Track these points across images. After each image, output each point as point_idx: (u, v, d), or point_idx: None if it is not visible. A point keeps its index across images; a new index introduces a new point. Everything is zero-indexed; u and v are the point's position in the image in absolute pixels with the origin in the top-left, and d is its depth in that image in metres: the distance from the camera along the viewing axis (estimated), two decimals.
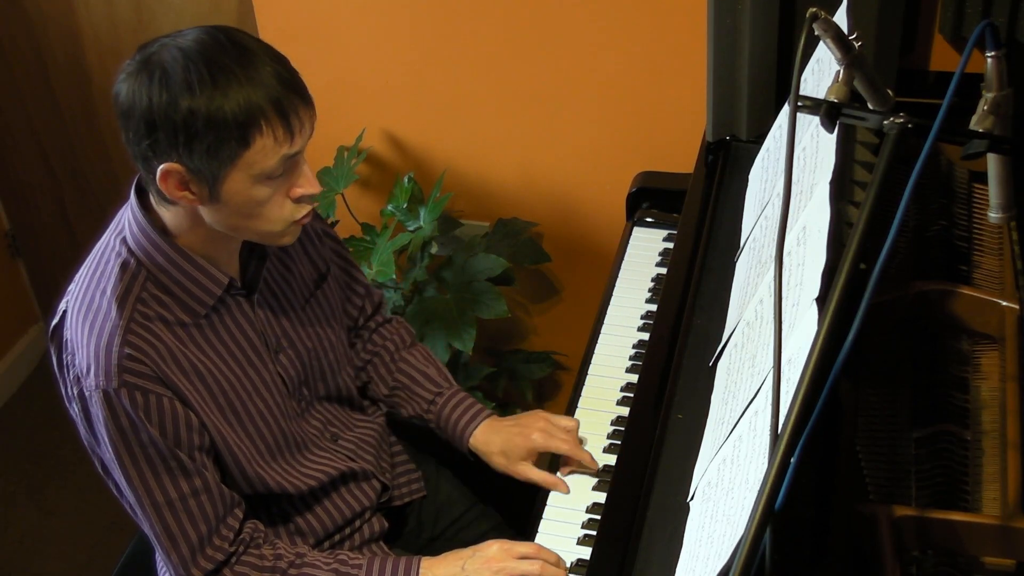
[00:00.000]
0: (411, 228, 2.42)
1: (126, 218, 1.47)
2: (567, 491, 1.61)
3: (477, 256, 2.39)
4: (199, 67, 1.30)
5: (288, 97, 1.34)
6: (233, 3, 2.54)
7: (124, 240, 1.45)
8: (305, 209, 1.44)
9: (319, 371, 1.65)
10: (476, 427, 1.72)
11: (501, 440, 1.69)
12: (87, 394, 1.42)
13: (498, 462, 1.69)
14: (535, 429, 1.66)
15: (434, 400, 1.77)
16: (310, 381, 1.64)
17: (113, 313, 1.41)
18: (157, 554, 1.52)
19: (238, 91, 1.30)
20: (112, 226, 1.50)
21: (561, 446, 1.64)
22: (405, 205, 2.43)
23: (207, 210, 1.40)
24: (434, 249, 2.43)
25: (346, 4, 2.36)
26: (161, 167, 1.34)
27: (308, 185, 1.42)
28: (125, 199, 1.49)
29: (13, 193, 3.08)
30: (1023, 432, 1.34)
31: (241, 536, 1.52)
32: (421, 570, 1.54)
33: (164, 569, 1.73)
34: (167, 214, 1.44)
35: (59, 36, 2.74)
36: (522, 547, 1.51)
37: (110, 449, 1.44)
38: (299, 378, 1.62)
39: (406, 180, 2.44)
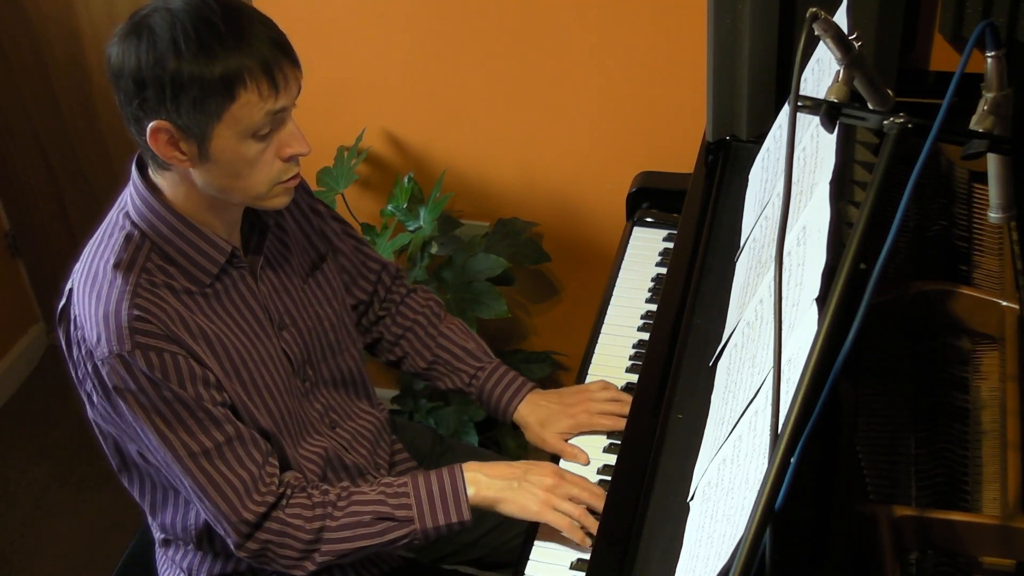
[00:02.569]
0: (411, 228, 2.42)
1: (128, 192, 1.49)
2: (587, 461, 1.64)
3: (477, 256, 2.39)
4: (187, 28, 1.33)
5: (274, 54, 1.37)
6: (233, 3, 2.53)
7: (127, 214, 1.48)
8: (293, 170, 1.46)
9: (320, 351, 1.66)
10: (520, 401, 1.75)
11: (543, 414, 1.72)
12: (100, 364, 1.42)
13: (532, 434, 1.73)
14: (580, 410, 1.69)
15: (476, 374, 1.79)
16: (313, 360, 1.65)
17: (119, 280, 1.43)
18: (204, 509, 1.51)
19: (224, 52, 1.33)
20: (115, 206, 1.52)
21: (605, 423, 1.67)
22: (405, 205, 2.43)
23: (198, 172, 1.42)
24: (434, 249, 2.43)
25: (346, 4, 2.36)
26: (151, 125, 1.36)
27: (297, 144, 1.43)
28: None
29: (13, 193, 3.08)
30: (1023, 432, 1.34)
31: (287, 480, 1.54)
32: (467, 475, 1.55)
33: (165, 568, 1.74)
34: (164, 181, 1.46)
35: (59, 36, 2.74)
36: (572, 488, 1.53)
37: (135, 416, 1.44)
38: (303, 356, 1.63)
39: (406, 180, 2.44)
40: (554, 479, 1.53)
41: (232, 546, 1.52)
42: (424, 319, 1.84)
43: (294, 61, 1.41)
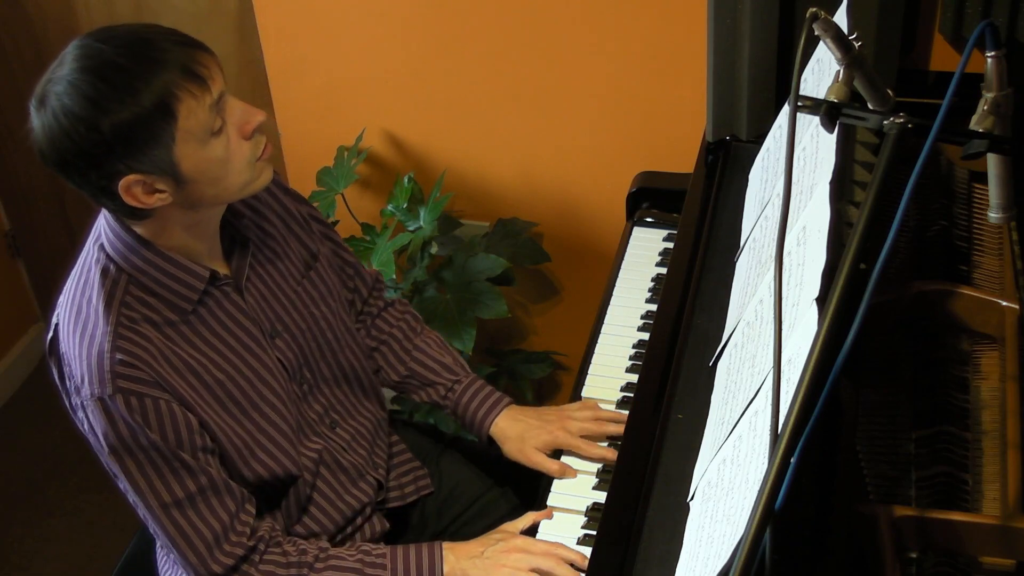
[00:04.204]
0: (411, 228, 2.42)
1: (101, 224, 1.48)
2: (574, 476, 1.63)
3: (477, 256, 2.39)
4: (94, 84, 1.30)
5: (185, 53, 1.34)
6: (233, 3, 2.53)
7: (102, 246, 1.46)
8: (262, 142, 1.44)
9: (319, 351, 1.65)
10: (497, 415, 1.74)
11: (520, 429, 1.71)
12: (84, 404, 1.42)
13: (510, 448, 1.71)
14: (558, 427, 1.67)
15: (452, 388, 1.79)
16: (311, 362, 1.64)
17: (101, 320, 1.42)
18: (174, 558, 1.51)
19: (142, 81, 1.30)
20: (92, 234, 1.50)
21: (581, 445, 1.65)
22: (405, 205, 2.43)
23: (183, 197, 1.40)
24: (434, 249, 2.43)
25: (346, 4, 2.36)
26: (120, 184, 1.34)
27: (250, 116, 1.41)
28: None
29: (13, 193, 3.08)
30: (1023, 432, 1.34)
31: (260, 534, 1.52)
32: (444, 552, 1.55)
33: (165, 568, 1.74)
34: (140, 228, 1.44)
35: (59, 36, 2.74)
36: (544, 545, 1.52)
37: (112, 457, 1.44)
38: (298, 360, 1.62)
39: (406, 180, 2.44)
40: (517, 553, 1.51)
41: None
42: (399, 332, 1.83)
43: (204, 48, 1.38)
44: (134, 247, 1.44)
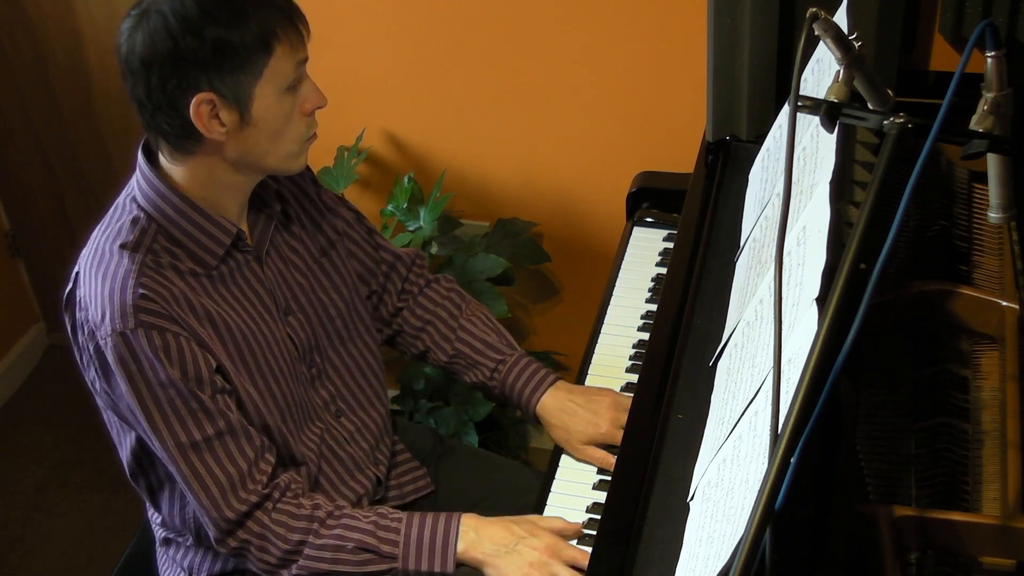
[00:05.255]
0: (411, 228, 2.42)
1: (135, 178, 1.51)
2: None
3: (477, 256, 2.39)
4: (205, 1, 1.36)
5: (292, 8, 1.43)
6: None
7: (134, 198, 1.49)
8: (315, 126, 1.50)
9: (327, 338, 1.66)
10: (543, 394, 1.73)
11: (569, 420, 1.68)
12: (102, 342, 1.43)
13: (557, 435, 1.70)
14: (606, 420, 1.66)
15: (496, 368, 1.78)
16: (321, 347, 1.65)
17: (125, 259, 1.44)
18: (191, 501, 1.51)
19: (252, 9, 1.37)
20: (122, 192, 1.53)
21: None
22: (405, 205, 2.43)
23: (234, 142, 1.44)
24: (434, 249, 2.43)
25: (346, 4, 2.37)
26: (194, 100, 1.38)
27: (316, 96, 1.48)
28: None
29: (13, 193, 3.08)
30: (1023, 432, 1.34)
31: (277, 482, 1.53)
32: (461, 528, 1.53)
33: (165, 568, 1.74)
34: (181, 170, 1.48)
35: (59, 36, 2.74)
36: (562, 570, 1.48)
37: (130, 396, 1.44)
38: (309, 342, 1.63)
39: (406, 180, 2.44)
40: (545, 555, 1.48)
41: (212, 540, 1.52)
42: (444, 311, 1.82)
43: (302, 13, 1.45)
44: (166, 195, 1.47)
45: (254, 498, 1.50)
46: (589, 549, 1.47)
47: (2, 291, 3.17)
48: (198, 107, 1.39)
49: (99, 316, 1.43)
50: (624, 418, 1.64)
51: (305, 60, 1.45)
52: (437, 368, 1.85)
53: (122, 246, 1.45)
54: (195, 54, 1.36)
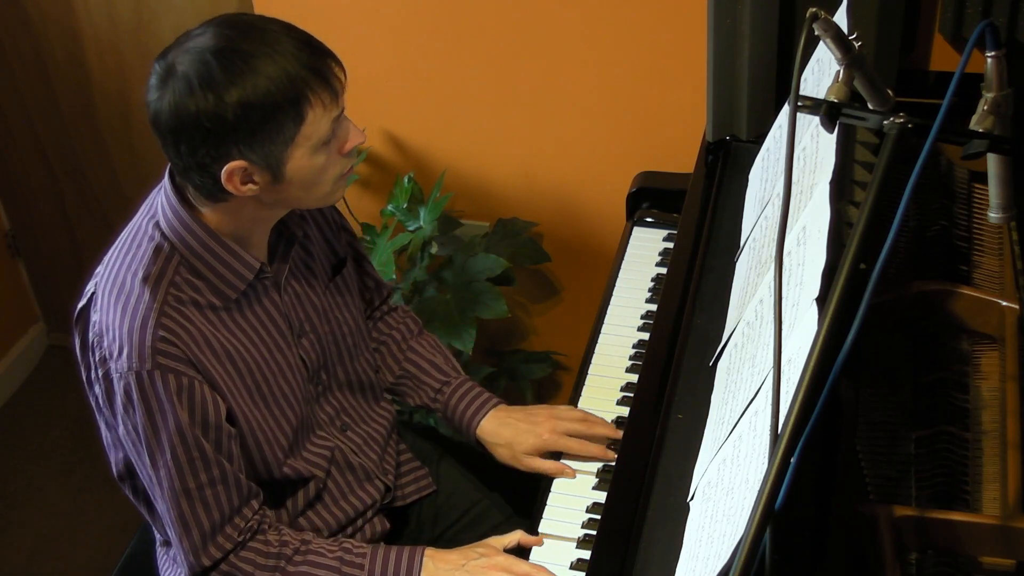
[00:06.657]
0: (411, 228, 2.42)
1: (159, 202, 1.48)
2: (573, 475, 1.62)
3: (477, 256, 2.39)
4: (226, 57, 1.31)
5: (321, 60, 1.36)
6: (233, 3, 2.53)
7: (157, 224, 1.47)
8: (352, 160, 1.47)
9: (337, 355, 1.66)
10: (484, 416, 1.73)
11: (509, 434, 1.70)
12: (116, 376, 1.43)
13: (502, 453, 1.70)
14: (546, 429, 1.66)
15: (441, 389, 1.78)
16: (329, 365, 1.65)
17: (146, 295, 1.42)
18: (169, 535, 1.53)
19: (271, 66, 1.32)
20: (144, 209, 1.51)
21: (571, 445, 1.64)
22: (405, 205, 2.43)
23: (270, 193, 1.42)
24: (434, 249, 2.43)
25: (346, 4, 2.36)
26: (225, 168, 1.36)
27: (355, 136, 1.45)
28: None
29: (13, 193, 3.08)
30: (1023, 432, 1.34)
31: (249, 524, 1.53)
32: (424, 559, 1.54)
33: (166, 567, 1.74)
34: (210, 209, 1.45)
35: (59, 36, 2.74)
36: (526, 567, 1.49)
37: (134, 432, 1.44)
38: (319, 362, 1.63)
39: (406, 180, 2.44)
40: (494, 571, 1.50)
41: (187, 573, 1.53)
42: (398, 334, 1.84)
43: (336, 58, 1.40)
44: (193, 229, 1.45)
45: (229, 545, 1.51)
46: (588, 551, 1.47)
47: (2, 291, 3.17)
48: (230, 174, 1.37)
49: (116, 350, 1.42)
50: (563, 425, 1.66)
51: (341, 113, 1.40)
52: (383, 390, 1.83)
53: (144, 279, 1.43)
54: (222, 125, 1.32)
